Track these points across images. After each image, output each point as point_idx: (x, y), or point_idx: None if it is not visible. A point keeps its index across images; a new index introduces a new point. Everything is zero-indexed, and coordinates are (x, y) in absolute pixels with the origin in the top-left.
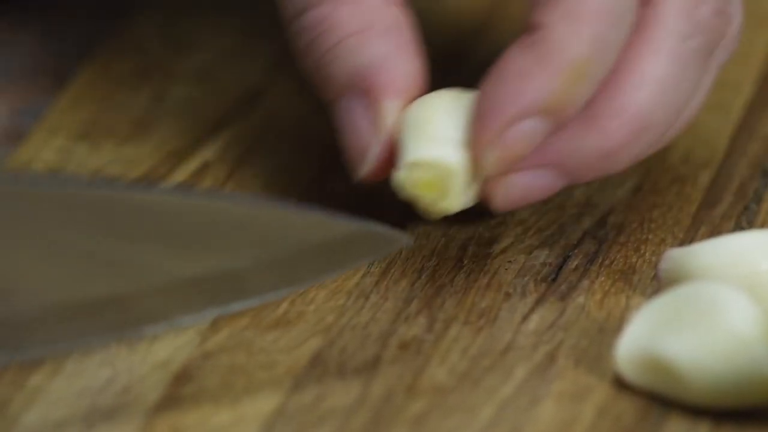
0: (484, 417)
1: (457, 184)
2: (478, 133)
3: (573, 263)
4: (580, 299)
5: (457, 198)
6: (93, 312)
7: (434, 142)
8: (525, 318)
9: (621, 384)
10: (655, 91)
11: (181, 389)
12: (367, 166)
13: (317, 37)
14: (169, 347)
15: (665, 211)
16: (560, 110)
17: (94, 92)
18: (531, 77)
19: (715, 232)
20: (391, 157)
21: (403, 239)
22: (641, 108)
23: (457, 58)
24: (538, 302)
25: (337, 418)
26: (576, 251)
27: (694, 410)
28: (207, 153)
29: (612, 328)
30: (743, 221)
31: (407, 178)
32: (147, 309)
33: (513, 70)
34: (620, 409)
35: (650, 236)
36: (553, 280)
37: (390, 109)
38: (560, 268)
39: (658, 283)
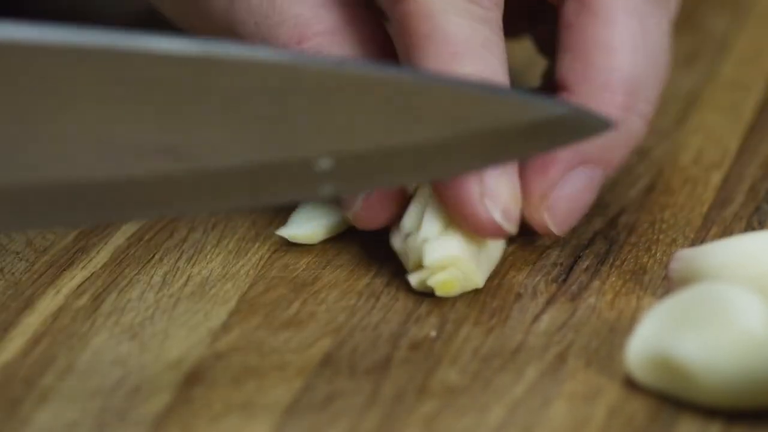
0: (495, 417)
1: (472, 267)
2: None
3: (584, 263)
4: (591, 299)
5: (480, 274)
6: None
7: (435, 240)
8: (536, 318)
9: (632, 384)
10: (626, 50)
11: (192, 389)
12: (353, 211)
13: None
14: (180, 347)
15: (676, 211)
16: None
17: None
18: None
19: (726, 232)
20: (378, 209)
21: (608, 124)
22: (623, 69)
23: None
24: (549, 302)
25: (348, 418)
26: (587, 251)
27: (706, 411)
28: None
29: (623, 328)
30: (754, 221)
31: (425, 284)
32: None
33: None
34: (631, 410)
35: (661, 236)
36: (564, 280)
37: None
38: (571, 268)
39: (669, 284)
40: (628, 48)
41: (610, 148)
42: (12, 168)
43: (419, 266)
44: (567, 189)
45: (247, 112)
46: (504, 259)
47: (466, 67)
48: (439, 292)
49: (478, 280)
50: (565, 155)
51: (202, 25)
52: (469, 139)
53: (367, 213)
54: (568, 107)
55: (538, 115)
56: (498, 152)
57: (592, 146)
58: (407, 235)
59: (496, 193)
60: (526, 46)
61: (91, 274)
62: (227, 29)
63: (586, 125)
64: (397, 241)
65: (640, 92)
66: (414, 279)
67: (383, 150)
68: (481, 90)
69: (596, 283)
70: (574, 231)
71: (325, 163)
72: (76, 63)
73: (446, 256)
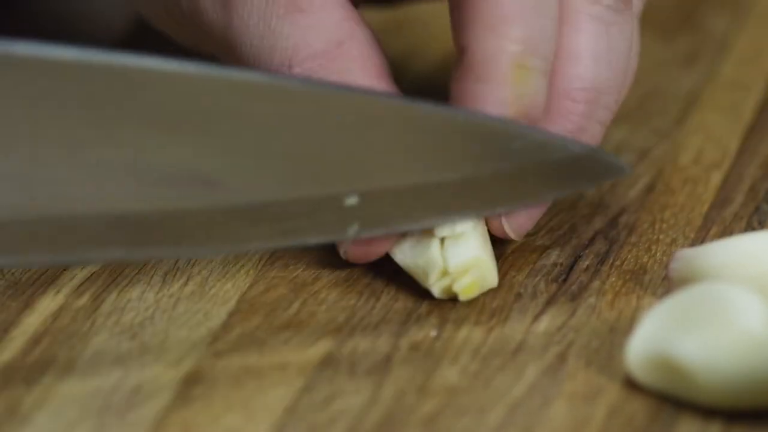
0: (495, 417)
1: (491, 266)
2: None
3: (584, 263)
4: (591, 299)
5: (496, 273)
6: (311, 211)
7: (457, 245)
8: (536, 318)
9: (632, 384)
10: (589, 58)
11: (192, 389)
12: (344, 248)
13: None
14: (180, 347)
15: (676, 211)
16: (528, 110)
17: None
18: (483, 100)
19: (726, 232)
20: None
21: (625, 168)
22: (585, 79)
23: None
24: (549, 302)
25: (348, 418)
26: (587, 251)
27: (706, 411)
28: None
29: (623, 328)
30: (754, 221)
31: (449, 291)
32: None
33: (464, 100)
34: (631, 410)
35: (661, 236)
36: (564, 280)
37: None
38: (571, 268)
39: (669, 284)
40: (590, 56)
41: None
42: (41, 199)
43: (443, 275)
44: None
45: (277, 143)
46: (504, 259)
47: (516, 31)
48: (462, 297)
49: (495, 279)
50: None
51: (200, 43)
52: (491, 178)
53: (357, 249)
54: (586, 147)
55: (560, 154)
56: (519, 192)
57: None
58: (421, 249)
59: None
60: None
61: (92, 274)
62: (224, 48)
63: (604, 168)
64: (406, 256)
65: (600, 100)
66: (437, 288)
67: (406, 188)
68: (503, 127)
69: (596, 283)
70: (575, 231)
71: (351, 200)
72: (104, 84)
73: (469, 259)
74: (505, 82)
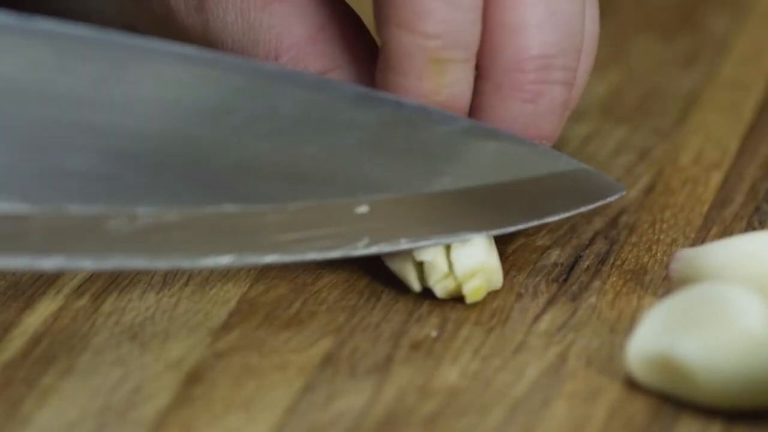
0: (495, 417)
1: (496, 269)
2: None
3: (584, 263)
4: (592, 299)
5: (501, 276)
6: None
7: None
8: (536, 318)
9: (632, 384)
10: (531, 27)
11: (192, 389)
12: None
13: None
14: (181, 347)
15: (677, 211)
16: (449, 100)
17: None
18: (404, 92)
19: (726, 232)
20: None
21: (620, 189)
22: (531, 47)
23: None
24: (550, 302)
25: (348, 418)
26: (587, 251)
27: (706, 411)
28: None
29: (623, 328)
30: (755, 221)
31: (453, 293)
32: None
33: (386, 90)
34: (632, 410)
35: (662, 236)
36: (565, 280)
37: None
38: (572, 268)
39: (669, 284)
40: (534, 24)
41: (538, 122)
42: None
43: (446, 276)
44: None
45: (287, 145)
46: (505, 259)
47: (431, 27)
48: (469, 300)
49: (500, 281)
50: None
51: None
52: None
53: None
54: (578, 165)
55: (555, 169)
56: (517, 208)
57: (519, 123)
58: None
59: None
60: None
61: (92, 274)
62: (205, 47)
63: (597, 185)
64: (402, 264)
65: (554, 63)
66: (440, 289)
67: (412, 199)
68: (503, 141)
69: (597, 283)
70: (575, 231)
71: (362, 209)
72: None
73: (477, 264)
74: (421, 76)
